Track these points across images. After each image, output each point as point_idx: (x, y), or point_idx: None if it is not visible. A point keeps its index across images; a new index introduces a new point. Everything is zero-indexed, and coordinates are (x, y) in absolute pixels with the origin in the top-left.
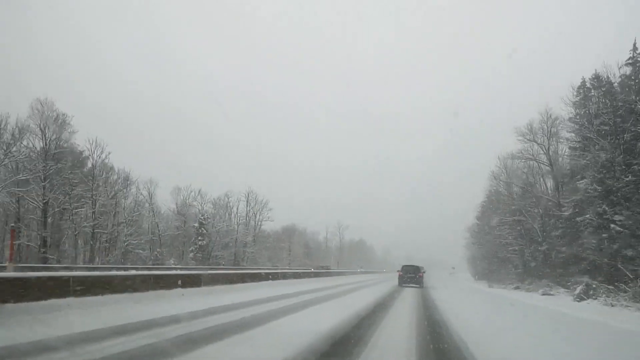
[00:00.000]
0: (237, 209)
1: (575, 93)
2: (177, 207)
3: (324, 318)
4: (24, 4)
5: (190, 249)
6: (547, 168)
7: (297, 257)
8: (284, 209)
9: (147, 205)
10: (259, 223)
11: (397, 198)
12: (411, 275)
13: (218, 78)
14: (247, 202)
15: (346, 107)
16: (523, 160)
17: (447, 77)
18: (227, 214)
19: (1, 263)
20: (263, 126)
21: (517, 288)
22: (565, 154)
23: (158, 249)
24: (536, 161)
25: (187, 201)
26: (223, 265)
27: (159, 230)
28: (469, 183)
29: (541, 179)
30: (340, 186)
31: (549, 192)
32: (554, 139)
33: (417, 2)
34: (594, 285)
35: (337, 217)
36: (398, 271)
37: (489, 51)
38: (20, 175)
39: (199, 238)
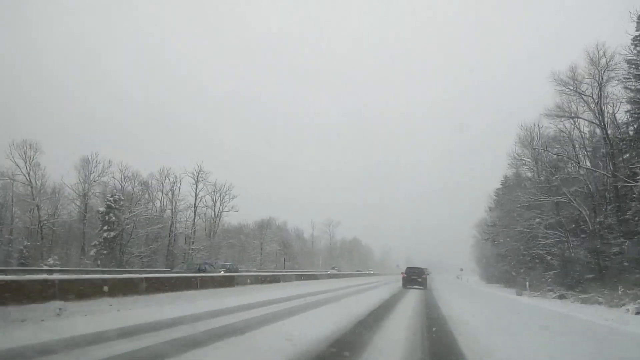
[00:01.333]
0: (179, 190)
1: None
2: (82, 185)
3: None
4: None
5: (92, 244)
6: (586, 136)
7: (269, 257)
8: (280, 211)
9: (24, 179)
10: (219, 214)
11: (398, 199)
12: (415, 277)
13: (212, 83)
14: (196, 183)
15: (346, 110)
16: (562, 118)
17: (450, 78)
18: (163, 197)
19: None
20: (258, 127)
21: (561, 297)
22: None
23: (26, 242)
24: (581, 119)
25: (91, 177)
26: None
27: (39, 215)
28: (474, 183)
29: (584, 150)
30: (337, 188)
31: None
32: (605, 87)
33: (419, 4)
34: None
35: (335, 219)
36: (402, 273)
37: (493, 49)
38: None
39: (105, 228)
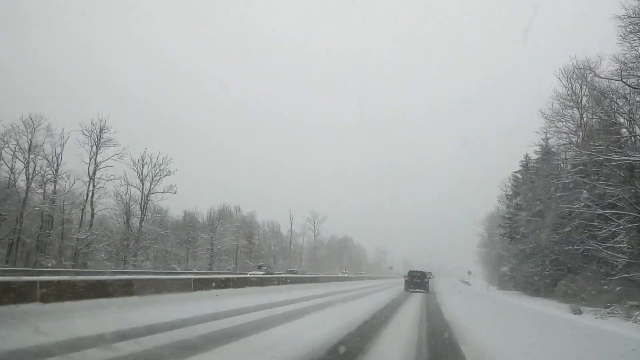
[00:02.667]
0: (62, 151)
1: None
2: None
3: None
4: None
5: None
6: None
7: (227, 254)
8: (274, 214)
9: None
10: (147, 195)
11: (397, 201)
12: (417, 280)
13: (207, 82)
14: (96, 145)
15: (345, 110)
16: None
17: (454, 79)
18: (28, 159)
19: None
20: (255, 127)
21: None
22: None
23: None
24: None
25: None
26: None
27: None
28: (479, 181)
29: None
30: (332, 189)
31: None
32: None
33: (425, 7)
34: None
35: (321, 213)
36: (404, 276)
37: (501, 46)
38: None
39: None
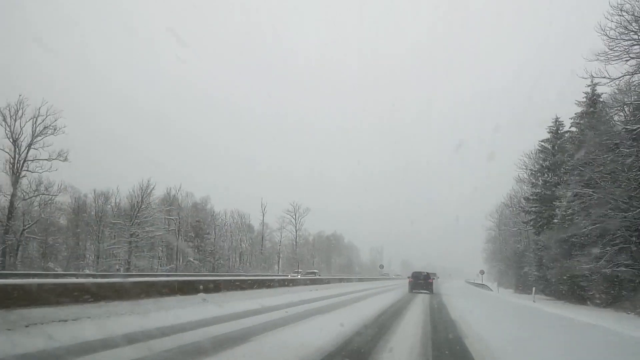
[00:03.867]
0: None
1: None
2: None
3: None
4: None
5: None
6: None
7: (152, 250)
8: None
9: None
10: (21, 163)
11: (396, 201)
12: (421, 281)
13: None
14: None
15: (344, 112)
16: None
17: (455, 78)
18: None
19: None
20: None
21: None
22: None
23: None
24: None
25: None
26: None
27: None
28: (482, 186)
29: None
30: (328, 190)
31: None
32: None
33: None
34: None
35: (303, 204)
36: (408, 277)
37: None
38: None
39: None
